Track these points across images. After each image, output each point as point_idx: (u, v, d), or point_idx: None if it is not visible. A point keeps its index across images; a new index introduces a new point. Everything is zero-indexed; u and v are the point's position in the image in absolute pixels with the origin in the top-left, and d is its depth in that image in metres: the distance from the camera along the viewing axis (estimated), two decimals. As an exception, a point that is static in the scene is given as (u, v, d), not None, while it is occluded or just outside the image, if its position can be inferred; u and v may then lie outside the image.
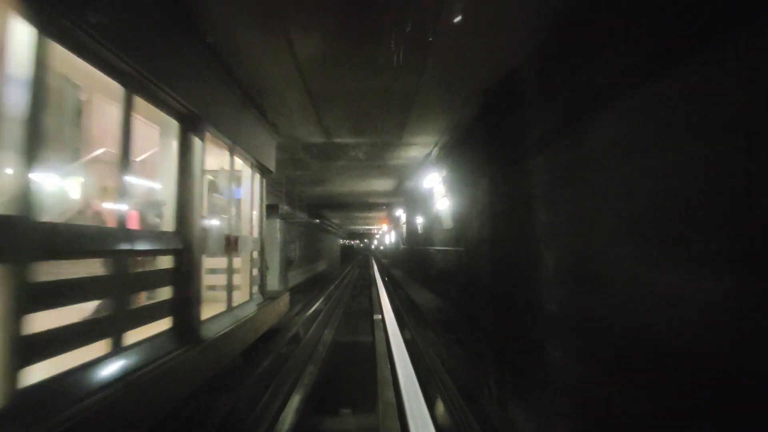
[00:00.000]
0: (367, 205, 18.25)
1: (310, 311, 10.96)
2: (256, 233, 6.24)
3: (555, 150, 3.54)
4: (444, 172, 7.90)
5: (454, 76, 4.55)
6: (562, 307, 3.44)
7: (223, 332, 4.02)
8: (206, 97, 3.95)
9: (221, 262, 5.13)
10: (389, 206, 18.84)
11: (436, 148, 7.72)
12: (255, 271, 6.18)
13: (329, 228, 23.42)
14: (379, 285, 15.73)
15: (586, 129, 3.05)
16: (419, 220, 12.42)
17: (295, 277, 14.86)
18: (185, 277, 3.59)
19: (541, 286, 3.78)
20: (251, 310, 5.16)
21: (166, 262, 3.63)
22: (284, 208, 10.05)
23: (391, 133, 6.94)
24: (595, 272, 2.92)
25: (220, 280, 5.92)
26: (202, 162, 3.83)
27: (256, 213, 6.30)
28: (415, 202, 12.63)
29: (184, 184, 3.65)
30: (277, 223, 9.39)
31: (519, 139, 4.26)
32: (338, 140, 7.28)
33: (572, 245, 3.29)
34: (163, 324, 3.37)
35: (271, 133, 6.28)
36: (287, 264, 13.30)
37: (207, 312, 4.02)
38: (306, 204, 16.46)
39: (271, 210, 9.51)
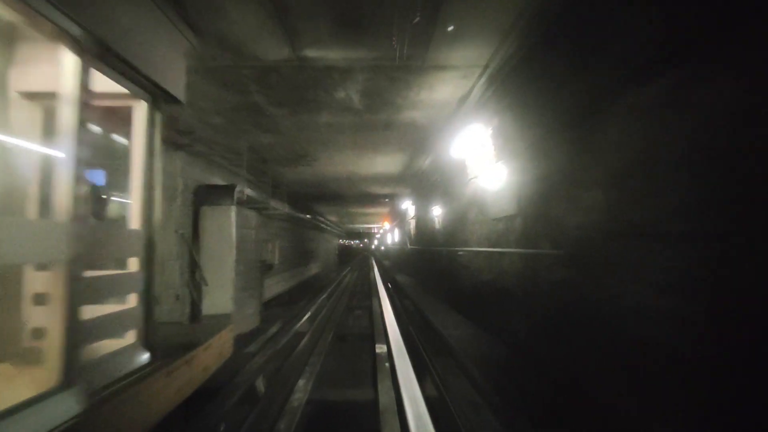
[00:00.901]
0: (366, 197, 15.06)
1: (284, 341, 7.75)
2: (135, 221, 3.00)
3: None
4: (496, 120, 4.70)
5: None
6: None
7: None
8: None
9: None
10: (393, 199, 15.66)
11: (485, 78, 4.50)
12: (133, 301, 2.95)
13: (323, 225, 20.23)
14: (381, 295, 12.49)
15: None
16: (437, 212, 9.23)
17: (276, 286, 11.69)
18: None
19: None
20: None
21: None
22: (246, 192, 6.87)
23: (413, 37, 3.73)
24: None
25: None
26: None
27: (137, 178, 3.07)
28: (433, 186, 9.43)
29: None
30: (232, 213, 6.26)
31: None
32: (313, 54, 4.05)
33: None
34: None
35: (167, 14, 3.04)
36: (263, 270, 10.16)
37: None
38: (288, 192, 13.27)
39: (216, 192, 6.32)
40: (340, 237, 39.12)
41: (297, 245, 14.92)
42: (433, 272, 10.12)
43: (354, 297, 14.66)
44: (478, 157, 5.37)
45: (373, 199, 15.80)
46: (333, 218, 26.35)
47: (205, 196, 6.24)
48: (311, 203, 17.06)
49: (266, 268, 10.30)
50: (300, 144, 7.27)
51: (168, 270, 5.55)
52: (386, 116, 5.80)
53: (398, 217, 18.34)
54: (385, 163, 8.86)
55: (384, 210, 21.63)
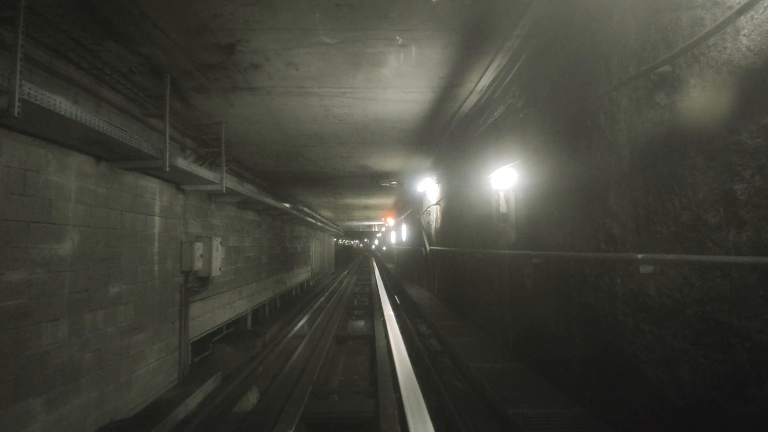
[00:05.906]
0: (365, 177, 10.76)
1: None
2: None
3: None
4: None
5: None
6: None
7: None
8: None
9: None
10: (401, 182, 11.39)
11: None
12: None
13: (313, 221, 15.95)
14: (392, 336, 7.90)
15: None
16: (513, 179, 4.94)
17: (224, 309, 7.40)
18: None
19: None
20: None
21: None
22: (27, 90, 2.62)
23: None
24: None
25: None
26: None
27: None
28: (515, 117, 5.14)
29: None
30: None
31: None
32: None
33: None
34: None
35: None
36: (188, 287, 5.93)
37: None
38: (257, 172, 8.98)
39: None
40: (337, 236, 34.77)
41: (271, 245, 10.64)
42: (480, 300, 5.81)
43: (351, 321, 10.31)
44: None
45: (375, 182, 11.49)
46: (327, 213, 22.05)
47: None
48: (296, 192, 12.79)
49: (197, 285, 6.02)
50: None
51: None
52: None
53: (409, 207, 14.01)
54: (403, 72, 4.55)
55: (388, 201, 17.32)
